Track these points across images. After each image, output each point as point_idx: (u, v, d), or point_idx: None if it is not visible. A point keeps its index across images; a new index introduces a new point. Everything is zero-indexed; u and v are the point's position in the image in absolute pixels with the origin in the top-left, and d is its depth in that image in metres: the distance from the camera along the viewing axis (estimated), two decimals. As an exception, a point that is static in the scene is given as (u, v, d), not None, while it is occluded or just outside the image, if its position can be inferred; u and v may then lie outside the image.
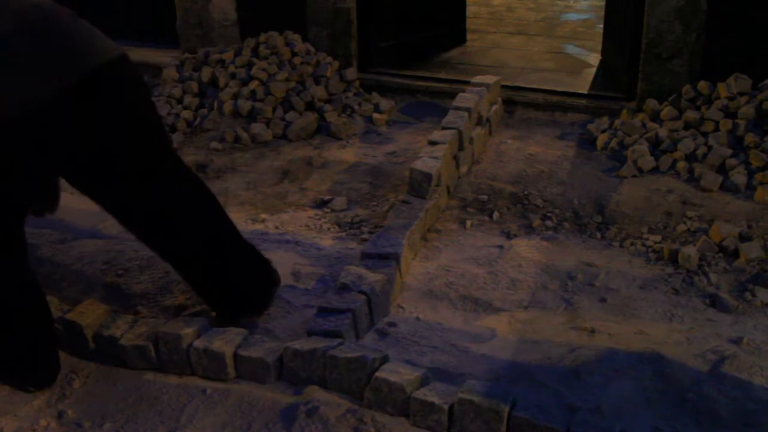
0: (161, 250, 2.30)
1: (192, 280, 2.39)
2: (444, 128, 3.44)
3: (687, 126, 3.66)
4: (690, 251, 2.81)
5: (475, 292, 2.67)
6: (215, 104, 4.24)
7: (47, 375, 2.17)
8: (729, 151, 3.41)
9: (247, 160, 3.82)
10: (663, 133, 3.62)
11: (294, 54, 4.45)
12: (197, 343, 2.16)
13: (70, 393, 2.14)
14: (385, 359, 2.07)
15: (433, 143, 3.32)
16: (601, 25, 5.09)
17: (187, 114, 4.26)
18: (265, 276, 2.49)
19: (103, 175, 2.09)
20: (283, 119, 4.13)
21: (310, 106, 4.24)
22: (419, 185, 3.08)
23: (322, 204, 3.34)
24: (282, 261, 2.81)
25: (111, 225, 3.13)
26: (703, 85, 3.79)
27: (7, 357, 2.16)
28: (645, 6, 3.93)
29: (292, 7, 4.65)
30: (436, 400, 1.92)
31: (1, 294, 2.07)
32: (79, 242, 2.95)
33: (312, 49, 4.53)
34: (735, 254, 2.83)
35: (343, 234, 3.08)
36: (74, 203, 3.30)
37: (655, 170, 3.48)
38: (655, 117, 3.86)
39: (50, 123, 1.91)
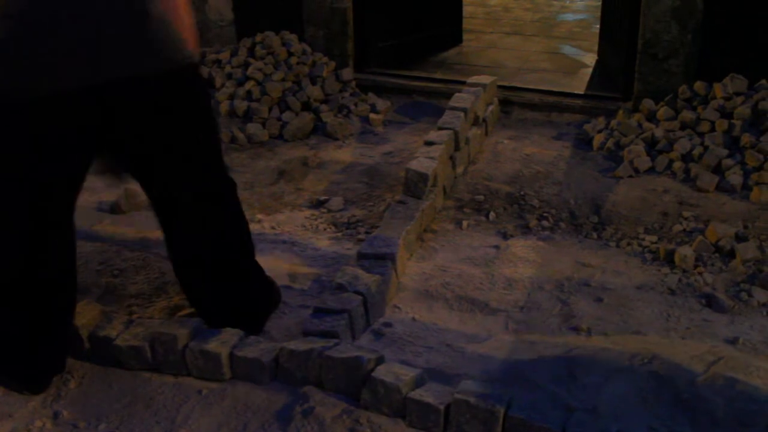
0: (179, 246, 2.28)
1: (190, 284, 2.35)
2: (440, 128, 3.44)
3: (683, 126, 3.66)
4: (686, 251, 2.81)
5: (472, 293, 2.67)
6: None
7: (45, 379, 2.15)
8: (725, 152, 3.41)
9: (243, 160, 3.81)
10: (659, 133, 3.63)
11: (290, 54, 4.44)
12: (193, 344, 2.15)
13: (65, 393, 2.14)
14: (380, 360, 2.07)
15: (429, 143, 3.31)
16: (598, 26, 5.09)
17: (183, 114, 4.25)
18: (266, 299, 2.46)
19: (152, 171, 2.11)
20: (279, 119, 4.13)
21: (306, 107, 4.23)
22: (415, 185, 3.08)
23: (318, 204, 3.34)
24: (278, 261, 2.81)
25: (107, 225, 3.13)
26: (699, 86, 3.80)
27: (8, 357, 2.14)
28: (641, 6, 3.94)
29: (289, 7, 4.65)
30: (431, 400, 1.92)
31: (37, 286, 2.05)
32: (74, 243, 2.94)
33: (308, 49, 4.52)
34: (731, 254, 2.83)
35: (339, 234, 3.07)
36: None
37: (651, 170, 3.48)
38: (652, 117, 3.86)
39: (100, 109, 1.92)
